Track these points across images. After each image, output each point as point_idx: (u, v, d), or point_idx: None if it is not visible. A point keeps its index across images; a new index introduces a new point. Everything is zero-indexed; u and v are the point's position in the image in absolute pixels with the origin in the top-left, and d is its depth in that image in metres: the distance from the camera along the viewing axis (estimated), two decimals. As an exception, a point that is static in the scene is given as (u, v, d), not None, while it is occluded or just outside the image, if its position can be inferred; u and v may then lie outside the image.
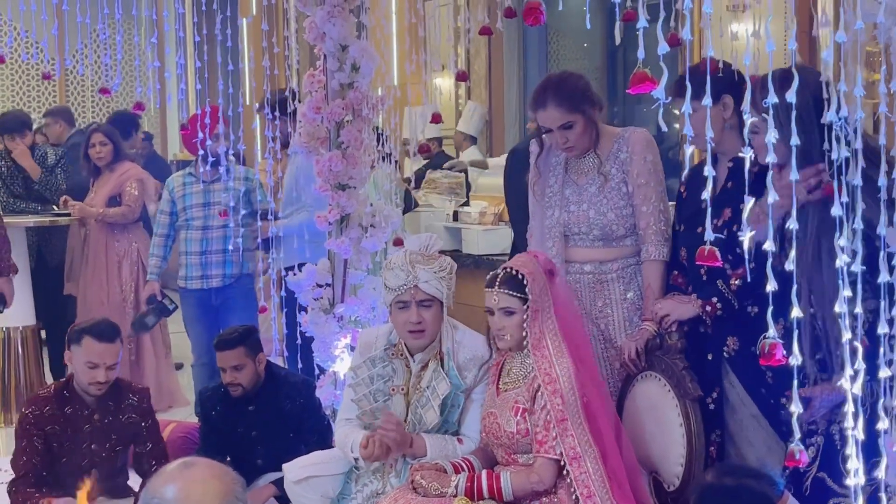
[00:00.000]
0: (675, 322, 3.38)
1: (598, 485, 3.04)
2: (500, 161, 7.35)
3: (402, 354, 3.49)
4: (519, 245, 4.38)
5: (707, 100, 2.05)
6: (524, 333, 3.20)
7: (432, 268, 3.37)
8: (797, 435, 1.93)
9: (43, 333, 6.97)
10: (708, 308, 3.32)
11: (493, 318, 3.25)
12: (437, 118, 5.12)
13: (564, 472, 3.07)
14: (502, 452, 3.25)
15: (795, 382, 1.92)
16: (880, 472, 2.03)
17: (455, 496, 3.10)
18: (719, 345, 3.36)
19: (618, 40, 2.25)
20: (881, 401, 2.06)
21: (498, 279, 3.24)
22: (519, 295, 3.19)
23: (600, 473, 3.06)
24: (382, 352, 3.52)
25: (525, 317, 3.19)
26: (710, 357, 3.38)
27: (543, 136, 3.69)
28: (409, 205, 6.65)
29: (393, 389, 3.48)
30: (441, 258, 3.44)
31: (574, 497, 3.06)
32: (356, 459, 3.44)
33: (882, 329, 2.01)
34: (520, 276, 3.20)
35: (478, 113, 8.63)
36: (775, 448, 3.17)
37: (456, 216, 6.75)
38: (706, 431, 3.31)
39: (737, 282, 3.24)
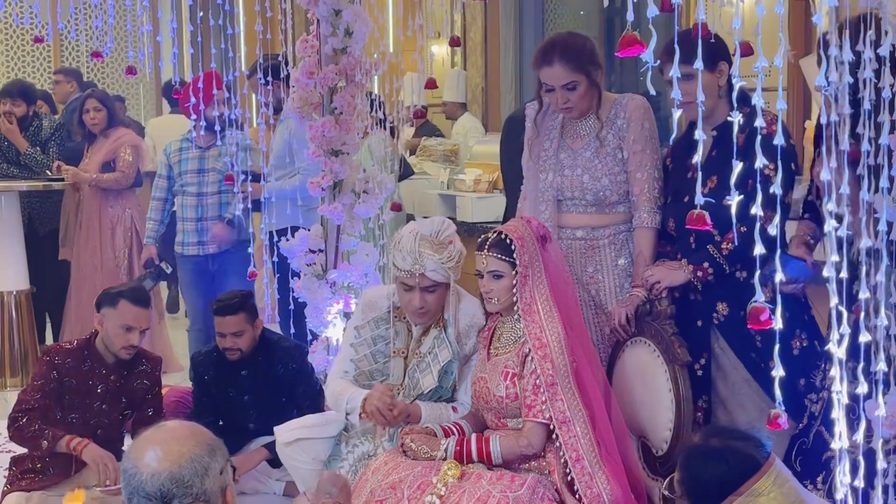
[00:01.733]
0: (665, 288, 3.39)
1: (587, 448, 3.06)
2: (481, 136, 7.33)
3: (404, 318, 3.50)
4: (512, 213, 4.37)
5: (698, 63, 2.05)
6: (514, 298, 3.20)
7: (441, 258, 3.34)
8: (779, 398, 1.94)
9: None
10: (699, 273, 3.33)
11: (483, 280, 3.26)
12: (431, 84, 5.10)
13: (553, 436, 3.09)
14: (492, 417, 3.27)
15: (777, 347, 1.93)
16: (859, 436, 2.04)
17: (444, 459, 3.12)
18: (708, 311, 3.38)
19: (605, 2, 2.24)
20: (860, 365, 2.07)
21: (488, 242, 3.24)
22: (508, 259, 3.20)
23: (589, 437, 3.07)
24: (386, 313, 3.53)
25: (514, 281, 3.19)
26: (699, 323, 3.39)
27: (543, 95, 3.66)
28: (406, 172, 6.64)
29: (394, 352, 3.49)
30: (451, 246, 3.39)
31: (563, 461, 3.07)
32: (347, 415, 3.45)
33: (863, 294, 2.01)
34: (508, 241, 3.20)
35: (461, 78, 8.60)
36: (767, 411, 3.18)
37: (450, 184, 6.75)
38: (693, 397, 3.33)
39: (728, 246, 3.26)
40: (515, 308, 3.21)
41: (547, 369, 3.09)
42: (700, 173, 2.08)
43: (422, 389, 3.42)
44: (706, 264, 3.32)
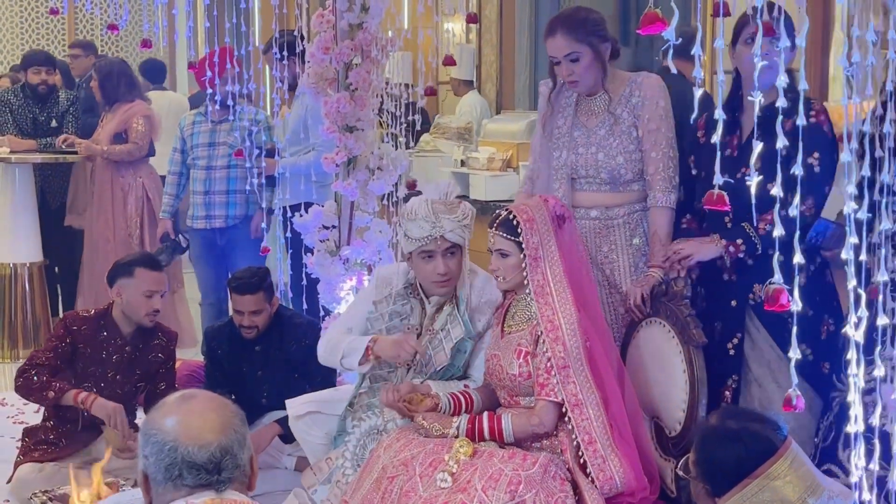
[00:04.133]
0: (696, 263, 3.36)
1: (600, 432, 3.05)
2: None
3: (418, 294, 3.50)
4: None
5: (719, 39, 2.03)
6: (525, 281, 3.19)
7: (456, 216, 3.36)
8: (794, 380, 1.93)
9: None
10: (731, 249, 3.28)
11: (491, 258, 3.26)
12: (449, 61, 5.07)
13: (566, 418, 3.08)
14: (505, 394, 3.27)
15: (795, 330, 1.92)
16: (875, 419, 2.04)
17: (456, 437, 3.12)
18: (744, 291, 3.34)
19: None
20: (878, 349, 2.05)
21: (497, 220, 3.24)
22: (514, 239, 3.19)
23: (602, 420, 3.06)
24: (402, 289, 3.53)
25: (523, 263, 3.18)
26: (733, 303, 3.37)
27: (554, 69, 3.64)
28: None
29: (408, 328, 3.49)
30: (462, 205, 3.42)
31: (575, 443, 3.07)
32: (342, 358, 3.46)
33: (882, 277, 2.00)
34: (516, 222, 3.19)
35: (465, 54, 8.53)
36: (801, 389, 3.17)
37: (464, 162, 6.73)
38: (723, 377, 3.33)
39: (766, 227, 3.21)
40: (527, 289, 3.20)
41: (558, 352, 3.08)
42: (718, 153, 2.05)
43: (434, 367, 3.42)
44: (740, 241, 3.28)
